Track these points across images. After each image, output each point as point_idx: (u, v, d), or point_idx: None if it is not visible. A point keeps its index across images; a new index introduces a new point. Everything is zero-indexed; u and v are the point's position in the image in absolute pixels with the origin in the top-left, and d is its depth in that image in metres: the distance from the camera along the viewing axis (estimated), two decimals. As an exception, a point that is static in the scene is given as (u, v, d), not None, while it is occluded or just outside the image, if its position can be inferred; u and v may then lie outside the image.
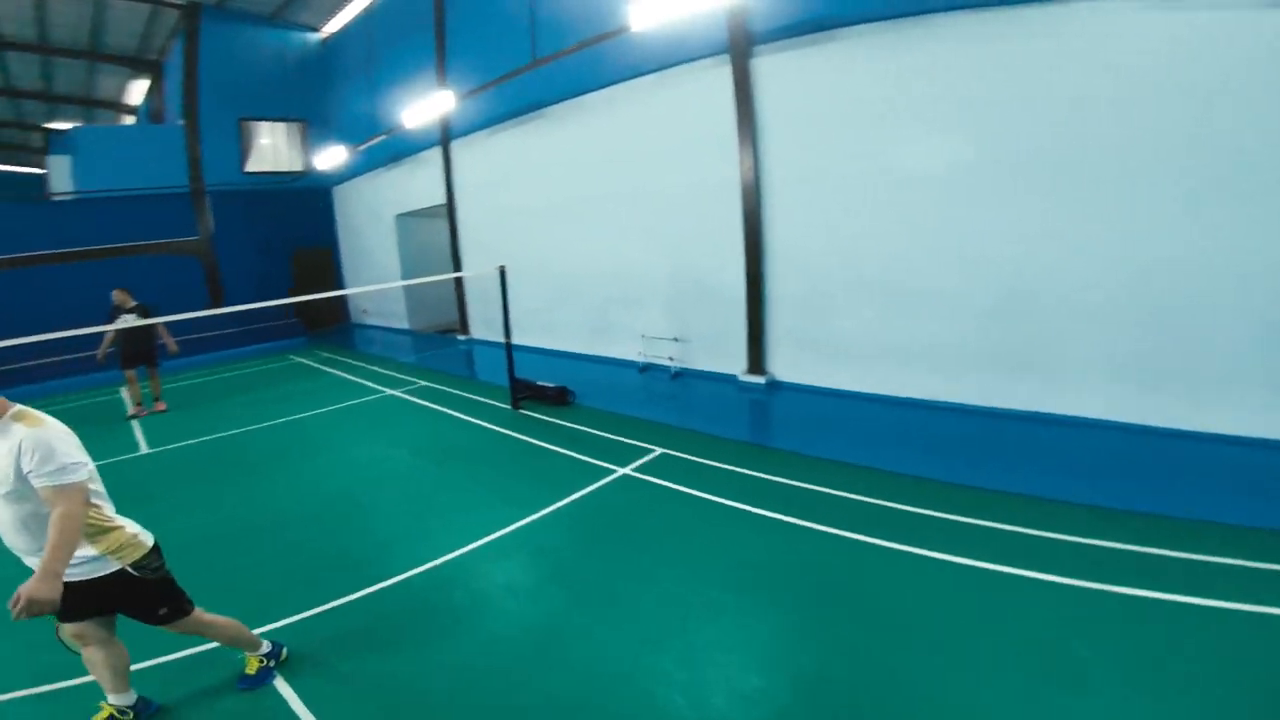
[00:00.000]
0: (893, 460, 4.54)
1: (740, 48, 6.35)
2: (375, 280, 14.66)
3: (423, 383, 8.41)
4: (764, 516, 3.87)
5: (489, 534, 3.91)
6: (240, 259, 14.61)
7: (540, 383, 6.97)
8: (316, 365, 10.67)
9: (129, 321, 7.49)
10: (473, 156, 10.77)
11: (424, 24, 11.31)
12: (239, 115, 14.78)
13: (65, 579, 2.00)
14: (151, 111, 17.93)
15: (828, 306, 6.31)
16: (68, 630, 2.28)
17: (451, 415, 6.72)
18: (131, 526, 2.36)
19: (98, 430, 7.32)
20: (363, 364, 10.27)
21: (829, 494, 4.12)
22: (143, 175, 13.68)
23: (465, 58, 10.53)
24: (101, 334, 7.66)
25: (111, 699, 2.43)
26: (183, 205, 13.94)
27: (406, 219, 13.48)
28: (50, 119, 20.12)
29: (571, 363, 9.05)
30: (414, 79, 11.62)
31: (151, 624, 2.39)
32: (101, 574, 2.21)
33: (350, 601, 3.25)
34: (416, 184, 12.43)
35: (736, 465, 4.73)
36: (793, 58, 6.13)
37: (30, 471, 1.98)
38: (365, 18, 13.64)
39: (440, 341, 12.34)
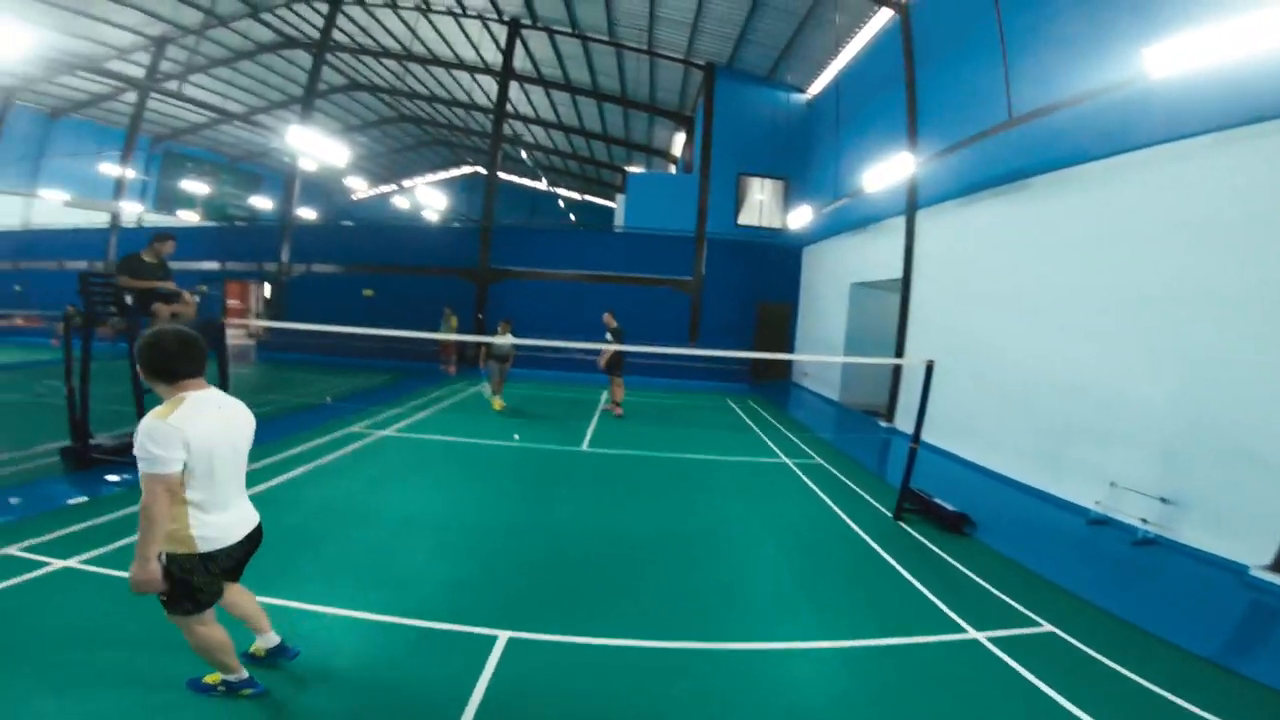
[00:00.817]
0: None
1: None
2: (820, 343, 15.71)
3: (819, 459, 8.63)
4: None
5: (774, 640, 3.83)
6: (718, 302, 17.72)
7: (938, 500, 6.31)
8: (742, 415, 12.09)
9: (609, 340, 10.55)
10: (938, 229, 10.46)
11: (894, 81, 11.74)
12: (738, 170, 18.28)
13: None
14: (685, 162, 23.47)
15: None
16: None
17: (826, 504, 6.71)
18: (198, 529, 2.55)
19: (569, 421, 10.22)
20: (779, 425, 11.12)
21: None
22: (665, 217, 18.19)
23: (935, 116, 10.44)
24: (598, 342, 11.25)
25: (258, 640, 3.19)
26: (686, 248, 17.77)
27: (861, 289, 13.96)
28: (628, 163, 28.65)
29: (995, 485, 7.85)
30: (882, 141, 12.14)
31: None
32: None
33: (596, 644, 3.62)
34: (876, 253, 12.77)
35: (1173, 691, 3.38)
36: None
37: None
38: (839, 78, 15.03)
39: (860, 422, 12.31)
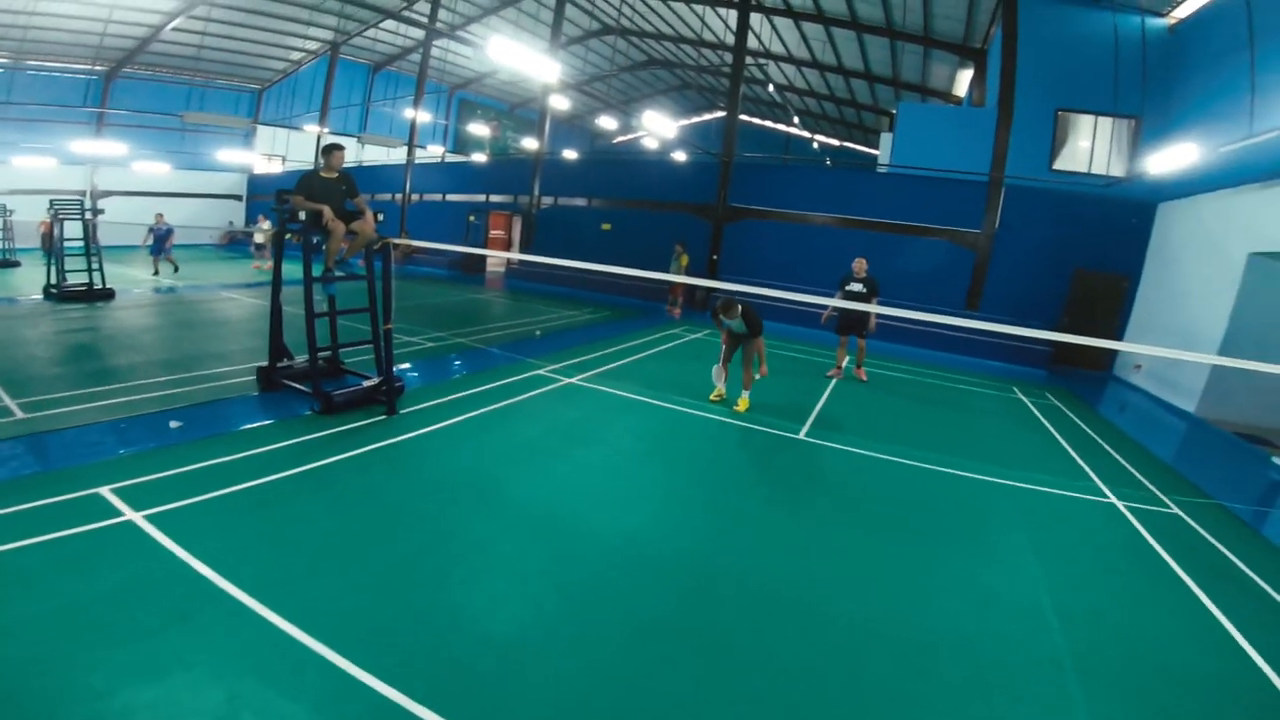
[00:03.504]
0: None
1: None
2: (1173, 332, 11.12)
3: (1176, 509, 5.39)
4: None
5: None
6: (1013, 263, 14.06)
7: None
8: (1038, 413, 8.75)
9: (856, 290, 8.65)
10: None
11: None
12: (1056, 106, 14.36)
13: None
14: (973, 100, 19.05)
15: None
16: None
17: (1195, 595, 3.84)
18: None
19: (794, 390, 8.17)
20: (1097, 438, 7.69)
21: None
22: (946, 157, 14.72)
23: None
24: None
25: None
26: (975, 194, 14.23)
27: (1270, 263, 9.26)
28: (894, 105, 24.57)
29: None
30: None
31: None
32: None
33: None
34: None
35: None
36: None
37: None
38: None
39: (1238, 453, 8.18)
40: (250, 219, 28.11)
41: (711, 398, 7.16)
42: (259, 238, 19.05)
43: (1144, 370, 12.19)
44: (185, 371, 6.61)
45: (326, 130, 26.53)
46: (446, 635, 2.80)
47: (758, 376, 6.89)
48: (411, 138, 23.02)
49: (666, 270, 14.36)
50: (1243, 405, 9.54)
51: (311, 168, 6.61)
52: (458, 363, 8.11)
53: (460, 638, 2.79)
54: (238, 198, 28.81)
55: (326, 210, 5.69)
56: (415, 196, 23.32)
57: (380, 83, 29.61)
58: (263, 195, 28.32)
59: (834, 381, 8.94)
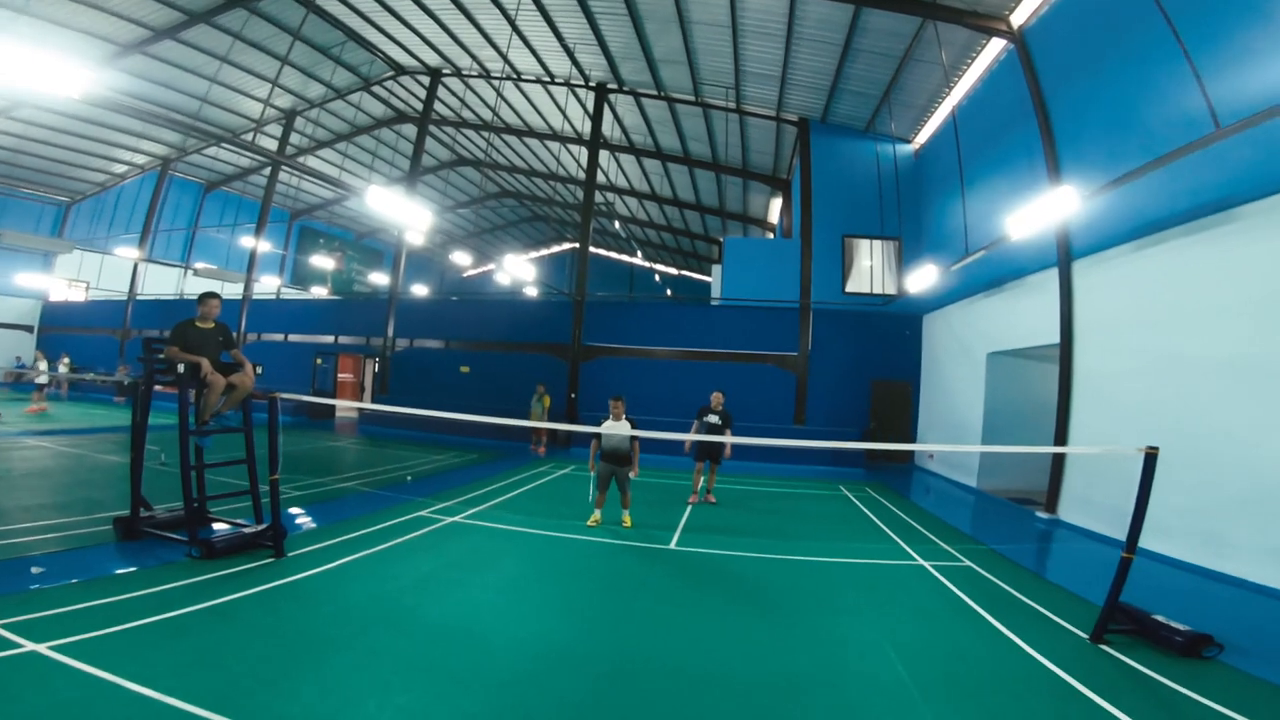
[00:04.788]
0: None
1: None
2: (950, 425, 13.69)
3: (967, 561, 6.85)
4: None
5: None
6: (826, 381, 16.06)
7: (1158, 616, 4.65)
8: (861, 505, 10.29)
9: (713, 421, 9.43)
10: (1106, 280, 8.72)
11: (1020, 114, 10.25)
12: (843, 232, 16.52)
13: None
14: (784, 228, 22.41)
15: None
16: None
17: (986, 620, 5.06)
18: None
19: (658, 511, 8.87)
20: (907, 518, 9.32)
21: None
22: (766, 287, 16.68)
23: (1091, 142, 8.79)
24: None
25: None
26: (790, 320, 16.29)
27: (1001, 359, 12.05)
28: (724, 233, 28.02)
29: (1243, 597, 5.91)
30: (1014, 183, 10.49)
31: None
32: None
33: None
34: (1019, 316, 10.99)
35: None
36: None
37: None
38: (950, 122, 13.18)
39: (1010, 513, 10.24)
40: (50, 352, 24.80)
41: (589, 523, 7.73)
42: (41, 378, 16.92)
43: (936, 459, 14.68)
44: (17, 523, 6.01)
45: (144, 255, 24.43)
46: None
47: (632, 476, 7.76)
48: (250, 270, 22.09)
49: (528, 410, 14.70)
50: (1009, 476, 11.94)
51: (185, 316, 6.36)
52: (333, 509, 7.93)
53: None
54: (28, 328, 25.30)
55: (205, 363, 5.73)
56: (253, 336, 21.84)
57: (212, 204, 27.66)
58: (59, 327, 25.21)
59: (690, 503, 9.58)
